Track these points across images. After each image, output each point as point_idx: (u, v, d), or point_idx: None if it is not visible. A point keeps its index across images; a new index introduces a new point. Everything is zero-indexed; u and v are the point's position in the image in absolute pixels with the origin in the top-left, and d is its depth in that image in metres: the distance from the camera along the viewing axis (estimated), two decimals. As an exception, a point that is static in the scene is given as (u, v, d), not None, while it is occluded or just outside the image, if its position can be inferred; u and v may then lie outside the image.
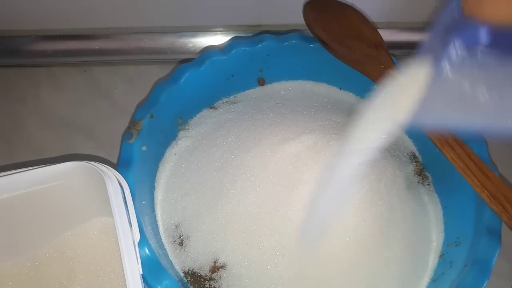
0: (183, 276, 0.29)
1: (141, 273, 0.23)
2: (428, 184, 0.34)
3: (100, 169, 0.25)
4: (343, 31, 0.34)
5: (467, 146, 0.29)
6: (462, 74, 0.16)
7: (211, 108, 0.36)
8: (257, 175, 0.29)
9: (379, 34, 0.35)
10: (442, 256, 0.30)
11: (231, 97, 0.37)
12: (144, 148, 0.30)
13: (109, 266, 0.29)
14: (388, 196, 0.30)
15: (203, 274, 0.29)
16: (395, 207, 0.30)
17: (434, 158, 0.33)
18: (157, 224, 0.30)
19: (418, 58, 0.18)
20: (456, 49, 0.16)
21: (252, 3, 0.40)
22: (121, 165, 0.28)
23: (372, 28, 0.35)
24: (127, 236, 0.23)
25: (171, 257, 0.29)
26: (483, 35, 0.15)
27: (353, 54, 0.33)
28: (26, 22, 0.40)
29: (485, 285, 0.25)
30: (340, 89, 0.38)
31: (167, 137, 0.34)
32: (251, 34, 0.41)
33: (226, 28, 0.42)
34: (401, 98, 0.19)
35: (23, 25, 0.40)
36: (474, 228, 0.28)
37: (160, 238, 0.30)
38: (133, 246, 0.23)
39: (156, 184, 0.32)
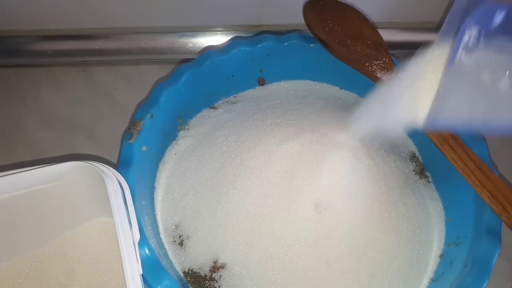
0: (183, 276, 0.29)
1: (141, 273, 0.23)
2: (428, 184, 0.34)
3: (100, 169, 0.25)
4: (343, 31, 0.34)
5: (467, 146, 0.29)
6: (480, 60, 0.15)
7: (211, 108, 0.36)
8: (257, 175, 0.29)
9: (379, 34, 0.35)
10: (442, 256, 0.30)
11: (231, 97, 0.37)
12: (144, 148, 0.30)
13: (109, 266, 0.29)
14: (388, 195, 0.30)
15: (203, 274, 0.29)
16: (396, 207, 0.30)
17: (434, 158, 0.33)
18: (157, 224, 0.30)
19: (435, 45, 0.17)
20: (472, 33, 0.15)
21: (252, 3, 0.40)
22: (121, 165, 0.28)
23: (372, 28, 0.35)
24: (127, 236, 0.23)
25: (171, 257, 0.29)
26: (499, 16, 0.14)
27: (353, 54, 0.33)
28: (26, 22, 0.40)
29: (485, 285, 0.25)
30: (340, 88, 0.38)
31: (167, 137, 0.34)
32: (251, 34, 0.41)
33: (226, 28, 0.42)
34: (418, 90, 0.18)
35: (23, 25, 0.40)
36: (474, 228, 0.28)
37: (160, 238, 0.30)
38: (133, 246, 0.23)
39: (156, 184, 0.32)
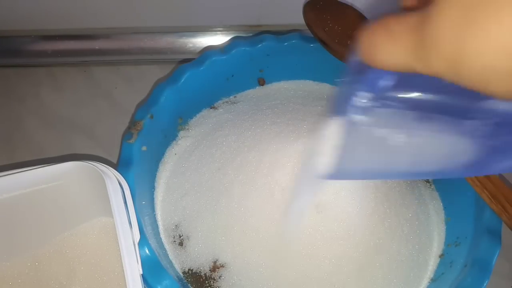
0: (183, 276, 0.29)
1: (141, 273, 0.23)
2: (428, 184, 0.34)
3: (100, 169, 0.25)
4: (343, 31, 0.34)
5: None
6: (374, 120, 0.16)
7: (211, 108, 0.36)
8: (257, 175, 0.29)
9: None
10: (442, 256, 0.30)
11: (231, 97, 0.37)
12: (144, 148, 0.30)
13: (109, 266, 0.29)
14: (389, 196, 0.30)
15: (203, 274, 0.29)
16: (396, 207, 0.30)
17: (434, 158, 0.33)
18: (157, 224, 0.30)
19: (330, 116, 0.17)
20: (362, 97, 0.15)
21: (252, 3, 0.40)
22: (121, 165, 0.28)
23: (372, 28, 0.35)
24: (127, 236, 0.23)
25: (171, 257, 0.29)
26: (387, 79, 0.15)
27: (353, 54, 0.33)
28: (26, 22, 0.40)
29: (485, 285, 0.25)
30: (340, 89, 0.38)
31: (167, 137, 0.34)
32: (251, 34, 0.41)
33: (226, 28, 0.42)
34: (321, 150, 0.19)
35: (23, 25, 0.40)
36: (474, 228, 0.28)
37: (160, 238, 0.30)
38: (133, 246, 0.23)
39: (156, 184, 0.32)
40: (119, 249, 0.23)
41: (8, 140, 0.38)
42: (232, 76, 0.36)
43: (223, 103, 0.37)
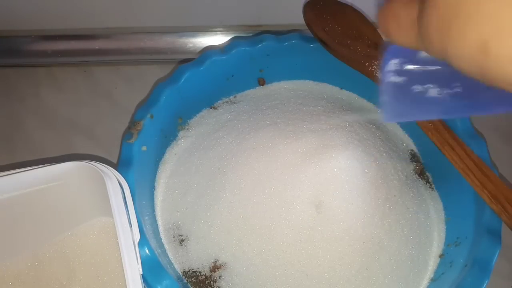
0: (183, 276, 0.29)
1: (141, 273, 0.23)
2: (428, 184, 0.34)
3: (100, 169, 0.25)
4: (343, 31, 0.34)
5: (467, 146, 0.29)
6: (408, 79, 0.19)
7: (211, 108, 0.36)
8: (257, 175, 0.29)
9: (379, 34, 0.35)
10: (442, 256, 0.30)
11: (231, 97, 0.37)
12: (144, 148, 0.30)
13: (109, 266, 0.29)
14: (388, 196, 0.30)
15: (203, 274, 0.29)
16: (396, 207, 0.30)
17: (434, 158, 0.33)
18: (157, 224, 0.30)
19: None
20: (391, 64, 0.19)
21: (252, 3, 0.40)
22: (121, 165, 0.28)
23: (372, 28, 0.35)
24: (127, 236, 0.23)
25: (171, 257, 0.29)
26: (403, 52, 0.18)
27: (353, 54, 0.33)
28: (26, 22, 0.40)
29: (485, 285, 0.25)
30: (341, 88, 0.38)
31: (167, 137, 0.34)
32: (251, 34, 0.41)
33: (226, 28, 0.42)
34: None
35: (23, 25, 0.40)
36: (474, 228, 0.28)
37: (160, 238, 0.30)
38: (133, 246, 0.23)
39: (156, 184, 0.32)
40: (119, 249, 0.23)
41: (8, 140, 0.38)
42: (232, 76, 0.36)
43: (223, 103, 0.37)
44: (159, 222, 0.31)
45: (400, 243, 0.29)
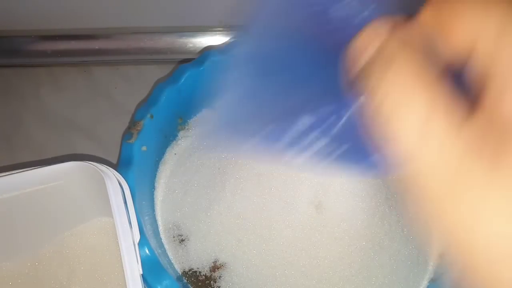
0: (183, 276, 0.29)
1: (141, 273, 0.23)
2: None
3: (100, 169, 0.25)
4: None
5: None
6: None
7: (211, 108, 0.36)
8: (257, 175, 0.29)
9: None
10: (442, 256, 0.30)
11: (231, 97, 0.37)
12: (144, 148, 0.30)
13: (109, 266, 0.29)
14: (389, 196, 0.30)
15: (203, 274, 0.29)
16: (396, 207, 0.30)
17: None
18: (157, 224, 0.30)
19: None
20: None
21: (252, 3, 0.40)
22: (121, 165, 0.28)
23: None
24: (127, 236, 0.23)
25: (171, 257, 0.29)
26: None
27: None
28: (26, 22, 0.40)
29: (485, 285, 0.25)
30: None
31: (167, 137, 0.34)
32: (251, 34, 0.41)
33: (226, 28, 0.42)
34: None
35: (23, 25, 0.40)
36: (474, 228, 0.28)
37: (160, 238, 0.30)
38: (133, 246, 0.23)
39: (156, 184, 0.32)
40: (119, 249, 0.23)
41: (8, 140, 0.38)
42: (232, 76, 0.36)
43: (223, 103, 0.37)
44: (159, 222, 0.31)
45: (400, 243, 0.29)
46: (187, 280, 0.28)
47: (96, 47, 0.41)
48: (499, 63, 0.11)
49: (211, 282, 0.28)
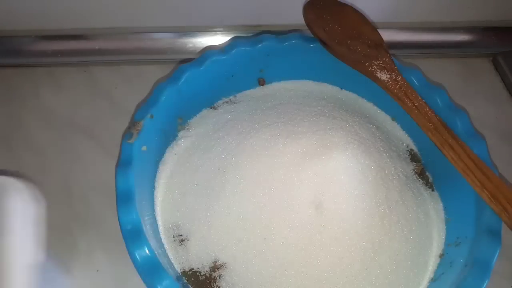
0: (183, 276, 0.29)
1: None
2: (428, 184, 0.34)
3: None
4: (343, 31, 0.34)
5: (467, 146, 0.29)
6: None
7: (211, 108, 0.36)
8: (257, 175, 0.29)
9: (379, 34, 0.35)
10: (442, 256, 0.30)
11: (231, 97, 0.37)
12: (144, 148, 0.30)
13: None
14: (388, 196, 0.30)
15: (203, 274, 0.29)
16: (396, 207, 0.30)
17: (434, 158, 0.33)
18: (157, 224, 0.30)
19: None
20: None
21: (252, 3, 0.40)
22: (121, 165, 0.28)
23: (372, 28, 0.35)
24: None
25: (171, 257, 0.29)
26: None
27: (353, 54, 0.33)
28: (26, 22, 0.40)
29: (485, 285, 0.25)
30: (341, 88, 0.38)
31: (167, 137, 0.34)
32: (251, 34, 0.41)
33: (226, 28, 0.42)
34: None
35: (23, 25, 0.40)
36: (474, 228, 0.28)
37: (160, 238, 0.30)
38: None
39: (156, 184, 0.32)
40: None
41: (8, 140, 0.38)
42: (232, 76, 0.36)
43: (223, 103, 0.37)
44: (159, 222, 0.31)
45: (400, 243, 0.29)
46: (187, 280, 0.28)
47: (96, 47, 0.41)
48: None
49: (211, 282, 0.28)
